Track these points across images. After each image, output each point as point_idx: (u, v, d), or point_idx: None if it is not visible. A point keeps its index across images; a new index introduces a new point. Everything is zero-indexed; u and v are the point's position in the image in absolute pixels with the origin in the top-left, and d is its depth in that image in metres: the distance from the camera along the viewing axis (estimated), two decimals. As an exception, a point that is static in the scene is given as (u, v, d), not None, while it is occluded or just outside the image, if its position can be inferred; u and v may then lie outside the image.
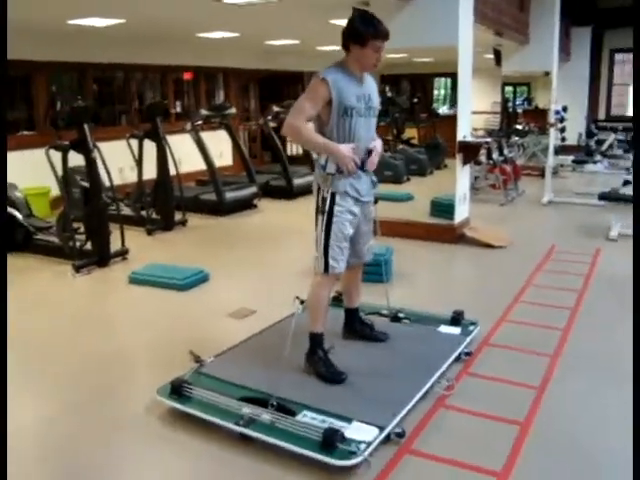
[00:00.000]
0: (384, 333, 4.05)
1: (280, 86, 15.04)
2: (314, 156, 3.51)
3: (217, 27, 9.40)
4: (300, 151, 12.00)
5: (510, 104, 14.43)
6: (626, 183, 7.82)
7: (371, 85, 3.55)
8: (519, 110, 14.10)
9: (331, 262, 3.42)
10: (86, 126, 6.13)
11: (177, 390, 3.27)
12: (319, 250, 3.45)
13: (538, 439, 3.01)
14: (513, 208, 9.18)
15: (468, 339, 4.04)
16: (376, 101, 3.54)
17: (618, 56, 16.83)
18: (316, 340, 3.55)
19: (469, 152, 7.02)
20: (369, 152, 3.46)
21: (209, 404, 3.17)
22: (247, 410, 3.05)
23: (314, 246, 3.50)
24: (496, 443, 2.99)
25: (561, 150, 11.69)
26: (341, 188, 3.38)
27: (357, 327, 4.06)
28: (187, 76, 12.41)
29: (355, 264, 3.78)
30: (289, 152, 13.14)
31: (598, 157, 9.91)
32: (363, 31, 3.32)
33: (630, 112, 11.66)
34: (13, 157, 8.51)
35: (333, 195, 3.38)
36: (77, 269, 6.00)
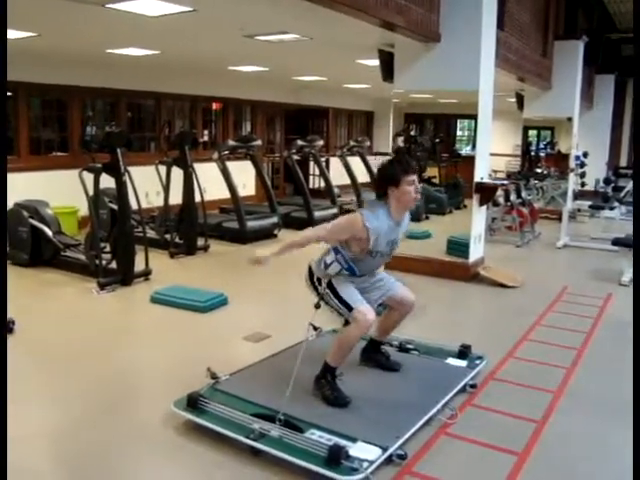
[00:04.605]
0: (398, 363, 4.22)
1: (305, 120, 15.38)
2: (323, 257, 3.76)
3: (248, 61, 9.75)
4: (322, 185, 12.25)
5: (533, 148, 14.58)
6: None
7: (404, 225, 3.81)
8: (542, 154, 14.21)
9: (350, 301, 3.60)
10: (119, 150, 6.41)
11: (193, 403, 3.45)
12: (338, 308, 3.65)
13: (534, 469, 3.14)
14: (528, 250, 9.30)
15: (474, 372, 4.19)
16: (399, 241, 3.80)
17: (641, 104, 16.94)
18: (329, 370, 3.72)
19: (485, 193, 7.18)
20: None
21: (222, 418, 3.35)
22: (258, 425, 3.22)
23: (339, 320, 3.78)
24: (493, 471, 3.13)
25: (580, 195, 11.81)
26: (336, 278, 3.66)
27: (373, 355, 4.25)
28: (216, 106, 12.77)
29: (395, 301, 3.98)
30: (311, 185, 13.41)
31: (615, 203, 10.01)
32: (394, 172, 3.60)
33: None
34: (45, 176, 8.91)
35: (330, 281, 3.66)
36: (101, 286, 6.23)
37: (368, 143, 12.96)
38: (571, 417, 3.76)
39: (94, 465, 3.14)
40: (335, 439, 3.10)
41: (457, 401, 3.85)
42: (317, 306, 3.65)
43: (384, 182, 3.64)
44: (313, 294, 3.74)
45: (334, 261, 3.63)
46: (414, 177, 3.62)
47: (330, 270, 3.64)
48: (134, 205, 6.69)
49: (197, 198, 8.31)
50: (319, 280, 3.69)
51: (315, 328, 4.50)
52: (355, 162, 12.50)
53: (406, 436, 3.27)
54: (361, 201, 11.34)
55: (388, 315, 4.12)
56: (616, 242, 7.45)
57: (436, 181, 13.78)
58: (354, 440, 3.13)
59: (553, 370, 4.48)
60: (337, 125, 16.18)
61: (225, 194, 9.38)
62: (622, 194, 10.37)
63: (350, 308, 3.59)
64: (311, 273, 3.76)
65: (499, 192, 8.90)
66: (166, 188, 8.36)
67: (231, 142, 9.72)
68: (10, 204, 7.00)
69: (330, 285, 3.65)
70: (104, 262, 6.49)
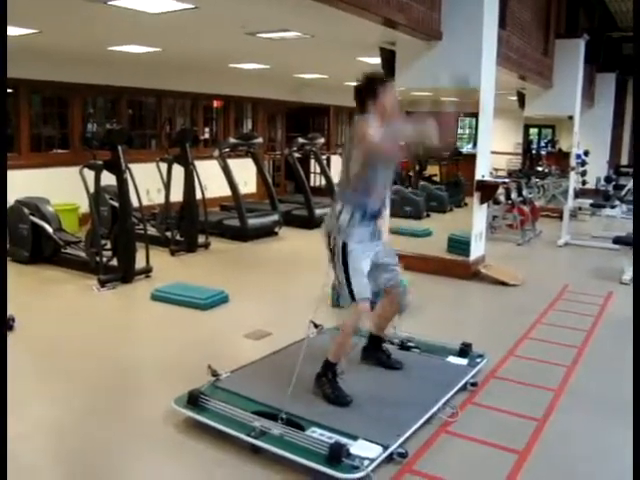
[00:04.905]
0: (399, 362, 4.21)
1: (307, 118, 15.36)
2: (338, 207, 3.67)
3: (249, 59, 9.74)
4: (323, 182, 12.25)
5: (534, 146, 14.56)
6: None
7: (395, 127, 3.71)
8: (543, 152, 14.19)
9: (355, 289, 3.56)
10: (120, 148, 6.41)
11: (193, 401, 3.45)
12: (343, 287, 3.61)
13: (535, 468, 3.14)
14: (529, 248, 9.30)
15: (474, 370, 4.18)
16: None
17: (642, 103, 16.90)
18: (330, 367, 3.70)
19: (486, 191, 7.18)
20: None
21: (223, 415, 3.35)
22: (259, 423, 3.22)
23: (337, 285, 3.73)
24: (494, 469, 3.12)
25: (581, 193, 11.81)
26: (351, 236, 3.58)
27: (374, 353, 4.24)
28: (217, 104, 12.76)
29: (392, 289, 3.96)
30: (312, 183, 13.40)
31: (616, 202, 10.01)
32: (371, 83, 3.63)
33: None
34: (46, 173, 8.91)
35: (344, 244, 3.58)
36: (102, 284, 6.23)
37: None
38: (572, 416, 3.75)
39: (94, 462, 3.13)
40: (336, 437, 3.11)
41: (458, 399, 3.84)
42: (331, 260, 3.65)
43: (363, 96, 3.63)
44: (327, 251, 3.69)
45: (344, 205, 3.59)
46: (392, 86, 3.66)
47: (342, 220, 3.57)
48: (135, 202, 6.69)
49: (198, 195, 8.30)
50: (335, 239, 3.61)
51: (316, 326, 4.51)
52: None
53: (407, 434, 3.27)
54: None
55: (383, 306, 4.09)
56: (617, 240, 7.45)
57: (437, 179, 13.79)
58: (355, 438, 3.13)
59: (554, 368, 4.47)
60: (338, 123, 16.16)
61: (226, 192, 9.38)
62: (623, 192, 10.37)
63: (351, 290, 3.55)
64: (328, 230, 3.68)
65: (500, 190, 8.90)
66: (167, 185, 8.36)
67: (232, 140, 9.73)
68: (11, 201, 7.00)
69: (344, 251, 3.58)
70: (105, 259, 6.49)
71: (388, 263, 3.88)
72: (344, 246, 3.57)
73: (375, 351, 4.24)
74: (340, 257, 3.58)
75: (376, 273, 3.78)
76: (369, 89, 3.63)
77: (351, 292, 3.57)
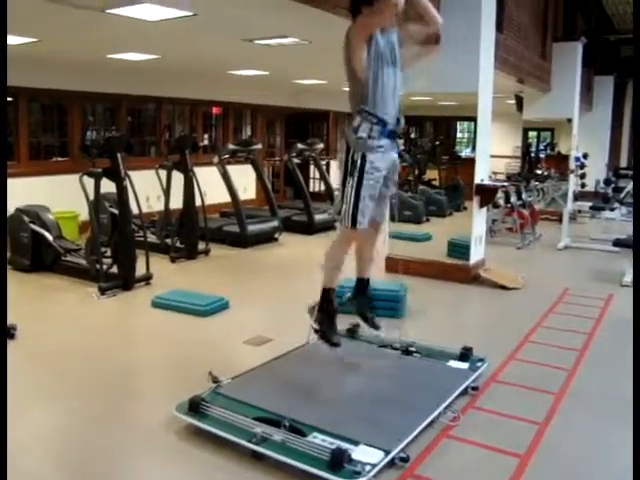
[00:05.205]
0: (379, 326, 4.17)
1: (306, 124, 15.38)
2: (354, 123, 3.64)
3: (248, 65, 9.75)
4: (322, 188, 12.26)
5: (533, 149, 14.58)
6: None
7: (393, 37, 3.61)
8: (542, 155, 14.21)
9: (359, 217, 3.55)
10: (119, 155, 6.42)
11: (194, 407, 3.45)
12: (348, 207, 3.58)
13: (537, 471, 3.13)
14: (529, 252, 9.30)
15: (475, 374, 4.18)
16: (399, 55, 3.61)
17: (641, 106, 16.90)
18: (326, 296, 3.74)
19: (486, 195, 7.19)
20: None
21: (224, 422, 3.35)
22: (260, 429, 3.21)
23: (340, 204, 3.66)
24: (496, 473, 3.12)
25: (580, 196, 11.82)
26: (371, 149, 3.55)
27: (361, 301, 4.16)
28: (216, 111, 12.78)
29: (377, 221, 3.94)
30: (311, 188, 13.41)
31: (615, 204, 10.02)
32: None
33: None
34: (46, 181, 8.92)
35: (363, 156, 3.55)
36: (102, 291, 6.23)
37: None
38: (573, 418, 3.75)
39: (95, 469, 3.13)
40: (337, 442, 3.10)
41: (459, 403, 3.84)
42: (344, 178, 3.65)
43: (359, 4, 3.35)
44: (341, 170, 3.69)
45: (361, 119, 3.55)
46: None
47: (360, 133, 3.54)
48: (135, 209, 6.70)
49: (198, 202, 8.31)
50: (354, 162, 3.58)
51: (316, 331, 4.50)
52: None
53: (408, 439, 3.26)
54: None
55: (359, 245, 4.06)
56: (617, 243, 7.46)
57: (436, 183, 13.83)
58: (356, 443, 3.12)
59: (555, 372, 4.47)
60: (337, 128, 16.18)
61: (226, 198, 9.39)
62: (622, 195, 10.37)
63: (355, 216, 3.54)
64: (348, 144, 3.65)
65: (499, 194, 8.92)
66: (167, 192, 8.37)
67: (231, 146, 9.74)
68: (11, 209, 7.01)
69: (361, 170, 3.55)
70: (105, 267, 6.49)
71: (386, 194, 3.85)
72: (363, 158, 3.56)
73: (361, 297, 4.16)
74: (357, 174, 3.55)
75: (382, 197, 3.78)
76: None
77: (354, 216, 3.55)
